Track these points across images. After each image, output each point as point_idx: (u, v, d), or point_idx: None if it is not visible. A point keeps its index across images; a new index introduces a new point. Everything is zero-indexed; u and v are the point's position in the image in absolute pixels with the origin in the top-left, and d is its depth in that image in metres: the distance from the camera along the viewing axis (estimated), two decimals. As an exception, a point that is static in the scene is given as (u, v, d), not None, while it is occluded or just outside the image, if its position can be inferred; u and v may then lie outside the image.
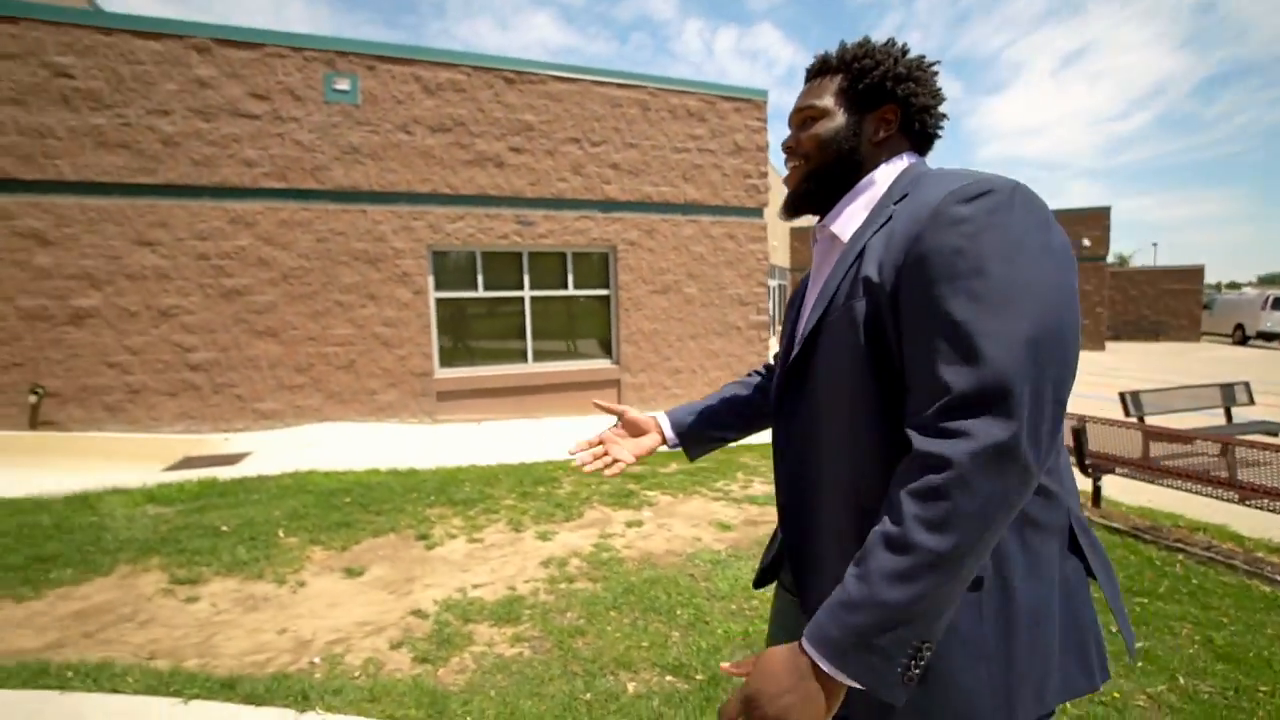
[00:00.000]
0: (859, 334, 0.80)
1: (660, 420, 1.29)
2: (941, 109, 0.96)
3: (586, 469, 1.23)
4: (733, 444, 1.36)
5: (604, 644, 2.62)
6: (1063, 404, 0.70)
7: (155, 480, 4.99)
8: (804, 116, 0.97)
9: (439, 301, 7.61)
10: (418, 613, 2.89)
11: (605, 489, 4.78)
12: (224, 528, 3.84)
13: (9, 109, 6.02)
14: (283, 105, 6.76)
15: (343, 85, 6.92)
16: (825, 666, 0.69)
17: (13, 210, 6.12)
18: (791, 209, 1.02)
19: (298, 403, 7.06)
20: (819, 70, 0.99)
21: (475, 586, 3.16)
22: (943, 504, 0.66)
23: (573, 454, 1.27)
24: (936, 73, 0.95)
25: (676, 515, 4.23)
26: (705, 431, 1.28)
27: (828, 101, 0.95)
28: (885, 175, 0.93)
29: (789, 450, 0.98)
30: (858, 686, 0.69)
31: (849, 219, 0.93)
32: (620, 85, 8.09)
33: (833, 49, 0.99)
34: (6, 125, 6.03)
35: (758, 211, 8.94)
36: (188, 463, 5.92)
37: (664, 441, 1.29)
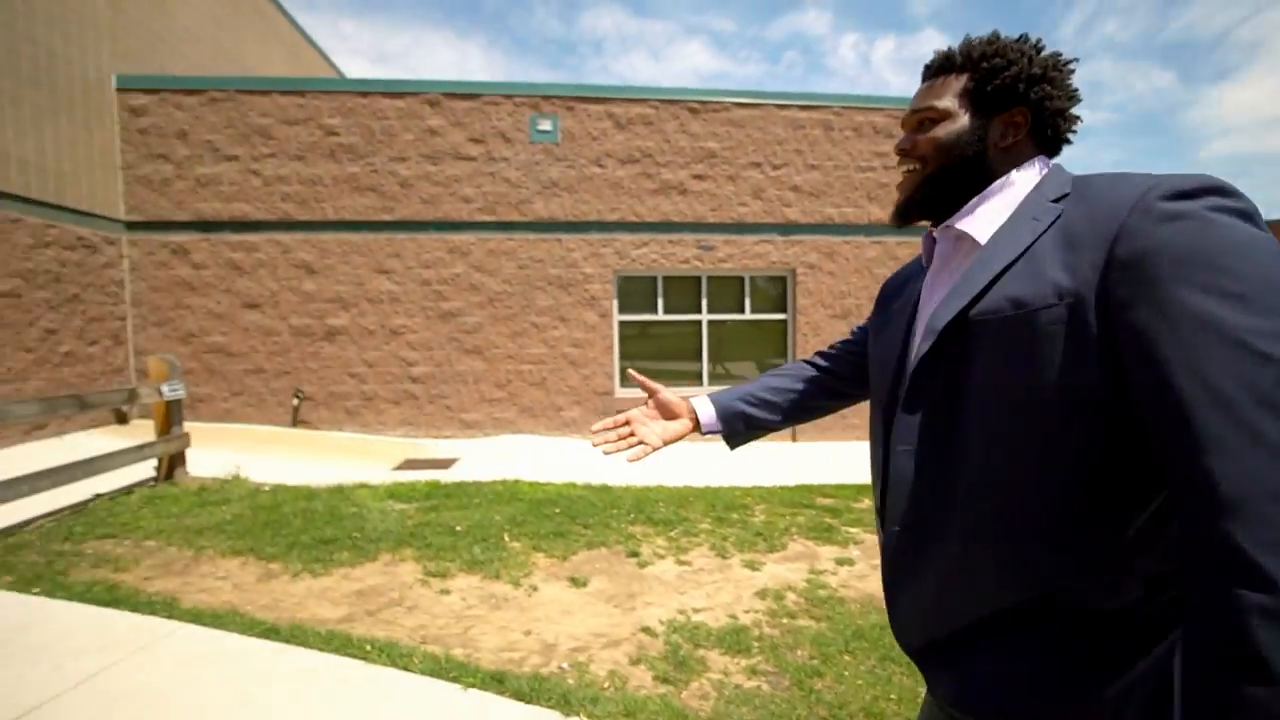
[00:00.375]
0: (1042, 343, 0.71)
1: (697, 405, 1.23)
2: (1075, 111, 0.87)
3: (606, 452, 1.18)
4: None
5: (846, 690, 2.48)
6: None
7: (390, 479, 5.69)
8: (921, 118, 0.90)
9: (621, 324, 7.96)
10: (647, 630, 2.96)
11: (801, 520, 4.62)
12: (458, 528, 4.25)
13: (294, 164, 7.34)
14: (495, 147, 7.54)
15: (545, 126, 7.56)
16: None
17: (291, 245, 7.41)
18: (904, 215, 0.94)
19: (496, 415, 7.72)
20: (941, 68, 0.90)
21: (695, 610, 3.17)
22: None
23: (595, 432, 1.21)
24: (1073, 71, 0.86)
25: (888, 556, 3.95)
26: (754, 417, 1.23)
27: (949, 103, 0.88)
28: (1025, 178, 0.85)
29: (908, 469, 0.87)
30: None
31: (984, 220, 0.85)
32: (803, 107, 7.99)
33: (956, 45, 0.90)
34: (291, 178, 7.36)
35: (950, 230, 8.30)
36: (409, 464, 6.70)
37: (696, 427, 1.23)
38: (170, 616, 2.95)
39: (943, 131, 0.88)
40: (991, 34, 0.90)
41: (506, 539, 4.09)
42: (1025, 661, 0.76)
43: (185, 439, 5.42)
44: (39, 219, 6.24)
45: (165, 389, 5.18)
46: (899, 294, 1.01)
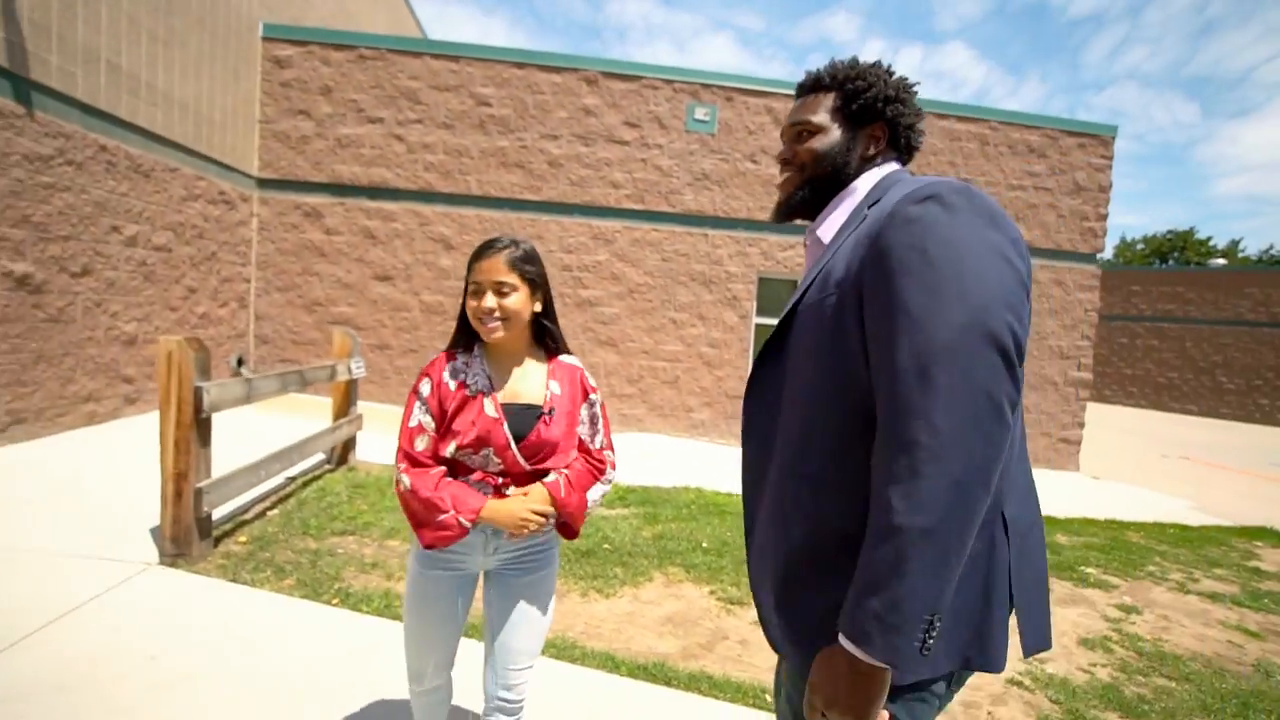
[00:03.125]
0: (826, 325, 0.88)
1: None
2: (921, 125, 1.05)
3: None
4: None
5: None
6: (1002, 386, 0.73)
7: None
8: (798, 130, 1.05)
9: (758, 326, 7.73)
10: (1014, 683, 2.78)
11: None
12: (704, 544, 4.04)
13: (441, 132, 6.96)
14: (650, 133, 7.22)
15: (703, 115, 7.26)
16: (856, 652, 0.76)
17: (430, 218, 7.06)
18: (783, 214, 1.10)
19: (625, 411, 7.47)
20: (812, 87, 1.06)
21: (1039, 662, 3.00)
22: (919, 483, 0.71)
23: None
24: (917, 93, 1.04)
25: (1157, 604, 3.82)
26: None
27: (823, 118, 1.03)
28: (865, 183, 1.02)
29: (752, 429, 1.04)
30: (887, 665, 0.75)
31: (833, 224, 1.01)
32: (961, 119, 7.77)
33: (824, 66, 1.07)
34: (436, 146, 6.98)
35: (1091, 257, 8.17)
36: (552, 458, 6.44)
37: None
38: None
39: (819, 143, 1.03)
40: (852, 59, 1.04)
41: (764, 561, 3.88)
42: (839, 591, 0.84)
43: (360, 420, 5.12)
44: (192, 170, 5.83)
45: (353, 366, 4.88)
46: None
